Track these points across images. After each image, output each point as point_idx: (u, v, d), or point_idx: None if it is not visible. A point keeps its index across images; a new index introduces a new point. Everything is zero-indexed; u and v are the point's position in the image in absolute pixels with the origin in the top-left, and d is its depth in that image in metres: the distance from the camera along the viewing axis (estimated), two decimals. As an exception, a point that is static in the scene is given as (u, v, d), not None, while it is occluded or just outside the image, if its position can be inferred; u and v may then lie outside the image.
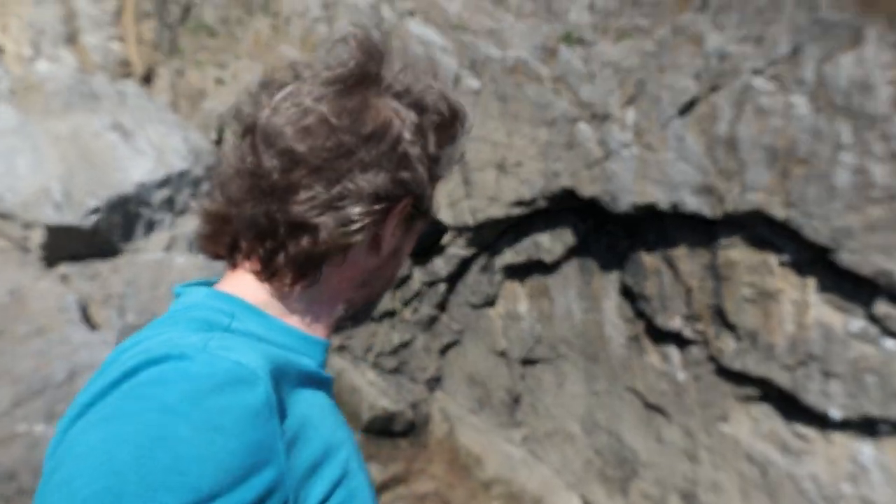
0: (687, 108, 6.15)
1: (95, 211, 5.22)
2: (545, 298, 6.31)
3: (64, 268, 5.27)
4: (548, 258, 6.16)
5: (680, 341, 6.06)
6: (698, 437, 6.24)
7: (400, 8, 6.05)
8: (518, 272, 6.27)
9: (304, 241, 0.83)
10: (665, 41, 6.02)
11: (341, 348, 6.14)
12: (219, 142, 5.77)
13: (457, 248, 6.14)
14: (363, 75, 0.84)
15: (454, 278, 6.26)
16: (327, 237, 0.83)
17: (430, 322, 6.32)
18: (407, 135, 0.85)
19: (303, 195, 0.82)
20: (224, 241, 0.87)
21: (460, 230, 6.10)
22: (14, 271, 4.61)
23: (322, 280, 0.88)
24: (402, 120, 0.85)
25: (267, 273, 0.86)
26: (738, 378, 6.00)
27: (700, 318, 6.26)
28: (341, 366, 6.07)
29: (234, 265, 0.88)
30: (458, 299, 6.33)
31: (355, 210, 0.83)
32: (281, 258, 0.84)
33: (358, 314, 0.94)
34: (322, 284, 0.88)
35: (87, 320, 4.91)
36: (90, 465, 0.58)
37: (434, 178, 0.91)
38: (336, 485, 0.78)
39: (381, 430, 6.20)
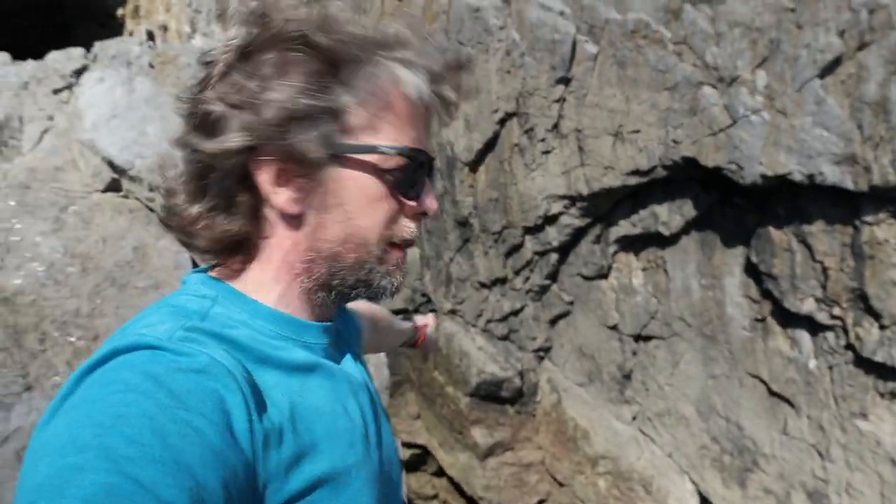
0: (829, 69, 5.60)
1: None
2: (661, 272, 6.09)
3: None
4: (666, 230, 5.93)
5: (813, 326, 5.59)
6: (831, 433, 5.77)
7: None
8: (633, 244, 6.02)
9: (210, 227, 0.85)
10: (806, -5, 5.58)
11: (452, 312, 6.36)
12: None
13: (570, 218, 6.11)
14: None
15: (566, 248, 6.10)
16: (212, 220, 0.84)
17: (541, 291, 6.25)
18: (241, 80, 0.79)
19: (180, 185, 0.87)
20: None
21: (574, 199, 6.07)
22: (140, 230, 5.31)
23: (270, 257, 0.87)
24: (224, 60, 0.81)
25: (229, 255, 0.89)
26: (880, 370, 5.43)
27: (837, 302, 5.73)
28: (452, 330, 6.30)
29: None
30: (570, 270, 6.28)
31: (211, 178, 0.82)
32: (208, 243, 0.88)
33: (341, 286, 0.88)
34: (269, 261, 0.87)
35: None
36: (54, 446, 0.59)
37: (305, 116, 0.79)
38: (318, 482, 0.77)
39: (489, 396, 6.36)
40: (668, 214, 5.80)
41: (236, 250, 0.88)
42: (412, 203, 0.89)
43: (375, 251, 0.87)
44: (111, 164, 5.00)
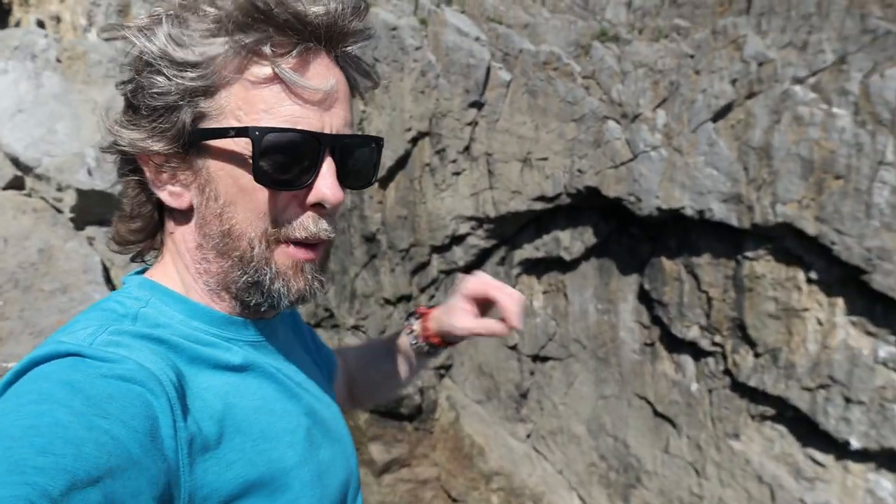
0: (721, 114, 6.17)
1: None
2: (561, 296, 6.59)
3: (91, 230, 5.98)
4: (567, 256, 6.41)
5: (696, 352, 6.08)
6: (707, 452, 6.50)
7: None
8: (536, 267, 6.29)
9: (119, 212, 0.89)
10: (703, 43, 6.25)
11: (355, 328, 6.66)
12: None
13: (476, 239, 6.52)
14: None
15: (471, 268, 6.62)
16: (118, 203, 0.88)
17: None
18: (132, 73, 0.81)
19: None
20: None
21: (481, 221, 6.50)
22: (46, 231, 5.24)
23: (177, 253, 0.86)
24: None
25: (147, 252, 0.92)
26: (753, 395, 6.01)
27: (718, 330, 6.37)
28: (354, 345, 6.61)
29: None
30: None
31: (120, 174, 0.87)
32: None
33: (245, 286, 0.83)
34: (177, 257, 0.86)
35: (109, 282, 5.59)
36: None
37: (142, 107, 0.79)
38: (251, 485, 0.76)
39: (388, 412, 6.63)
40: (570, 240, 6.33)
41: (148, 248, 0.90)
42: (298, 192, 0.80)
43: (258, 248, 0.80)
44: (15, 161, 4.90)
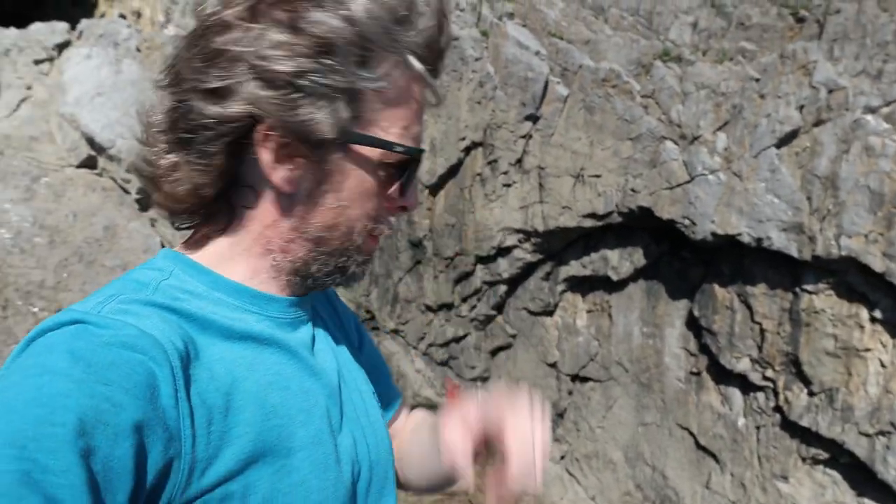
0: (786, 140, 5.80)
1: None
2: (605, 316, 6.50)
3: (154, 212, 6.39)
4: (614, 276, 6.34)
5: (745, 385, 5.88)
6: (752, 492, 6.21)
7: (500, 9, 6.59)
8: (581, 285, 6.17)
9: (182, 185, 0.83)
10: (770, 67, 6.14)
11: (395, 332, 6.75)
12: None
13: (523, 252, 6.55)
14: None
15: (515, 282, 6.19)
16: (189, 175, 0.82)
17: (486, 321, 6.34)
18: (251, 39, 0.76)
19: (162, 135, 0.83)
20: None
21: (528, 234, 6.53)
22: (112, 210, 5.59)
23: (247, 230, 0.86)
24: (247, 26, 0.76)
25: (195, 219, 0.90)
26: (805, 435, 5.80)
27: (771, 364, 5.89)
28: (392, 349, 6.66)
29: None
30: (517, 303, 6.65)
31: (200, 140, 0.79)
32: (176, 208, 0.87)
33: (320, 270, 0.88)
34: (244, 232, 0.86)
35: None
36: None
37: (317, 94, 0.77)
38: (255, 459, 0.75)
39: None
40: (619, 260, 6.29)
41: (205, 216, 0.87)
42: (400, 198, 0.89)
43: (358, 240, 0.87)
44: (90, 141, 5.26)
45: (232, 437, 0.74)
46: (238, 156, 0.81)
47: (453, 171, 6.31)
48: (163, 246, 5.74)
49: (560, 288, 6.25)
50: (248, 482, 0.74)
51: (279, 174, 0.81)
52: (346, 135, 0.80)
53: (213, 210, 0.87)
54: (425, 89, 0.86)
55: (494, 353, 6.43)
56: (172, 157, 0.82)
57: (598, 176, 6.07)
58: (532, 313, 6.32)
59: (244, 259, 0.86)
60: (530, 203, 6.20)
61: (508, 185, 6.24)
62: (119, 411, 0.62)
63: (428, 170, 6.29)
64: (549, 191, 6.16)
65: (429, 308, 6.36)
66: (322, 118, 0.78)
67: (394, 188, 0.87)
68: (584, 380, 6.24)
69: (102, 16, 6.76)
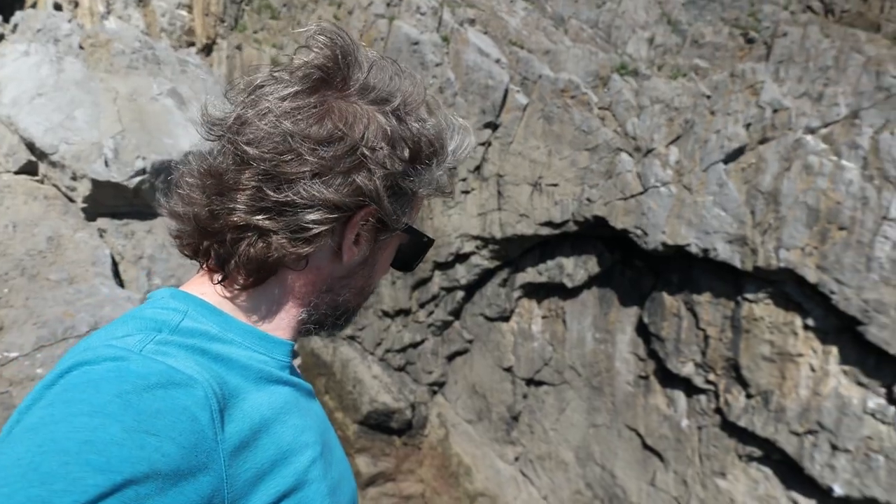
0: (733, 156, 5.99)
1: (142, 172, 5.79)
2: (560, 322, 6.74)
3: (103, 222, 6.00)
4: (569, 283, 6.53)
5: (689, 388, 6.19)
6: (693, 488, 6.70)
7: (461, 15, 6.60)
8: (537, 291, 6.28)
9: (255, 245, 0.85)
10: (721, 85, 6.47)
11: (351, 339, 6.77)
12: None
13: (480, 259, 6.67)
14: (327, 74, 0.86)
15: (473, 288, 6.22)
16: (279, 244, 0.85)
17: (443, 327, 6.33)
18: (371, 138, 0.84)
19: (246, 197, 0.84)
20: (190, 242, 0.90)
21: (486, 241, 6.67)
22: (56, 219, 5.22)
23: (282, 283, 0.90)
24: (368, 122, 0.84)
25: (222, 274, 0.89)
26: (742, 435, 6.17)
27: (713, 369, 6.12)
28: (349, 356, 6.70)
29: (201, 265, 0.93)
30: (474, 309, 6.77)
31: (308, 217, 0.84)
32: (233, 261, 0.87)
33: (325, 321, 0.95)
34: (282, 287, 0.90)
35: (117, 276, 5.59)
36: (16, 475, 0.59)
37: (403, 193, 0.89)
38: (283, 496, 0.79)
39: (378, 425, 6.72)
40: (574, 268, 6.52)
41: (250, 273, 0.89)
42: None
43: (369, 298, 1.01)
44: (30, 146, 4.81)
45: (262, 473, 0.77)
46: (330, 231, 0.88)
47: (413, 177, 6.33)
48: (113, 259, 5.45)
49: (516, 294, 6.43)
50: None
51: (348, 245, 0.89)
52: (404, 224, 0.92)
53: (259, 269, 0.90)
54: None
55: (451, 357, 6.57)
56: (255, 219, 0.84)
57: (555, 185, 6.24)
58: (489, 319, 6.48)
59: (271, 310, 0.91)
60: (488, 210, 6.31)
61: (467, 192, 6.32)
62: (168, 461, 0.64)
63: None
64: (508, 198, 6.28)
65: (386, 314, 6.41)
66: (402, 211, 0.90)
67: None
68: (539, 384, 6.48)
69: (34, 5, 6.27)
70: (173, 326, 0.81)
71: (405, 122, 0.87)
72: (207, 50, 6.55)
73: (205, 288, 0.90)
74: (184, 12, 6.40)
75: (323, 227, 0.85)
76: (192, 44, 6.44)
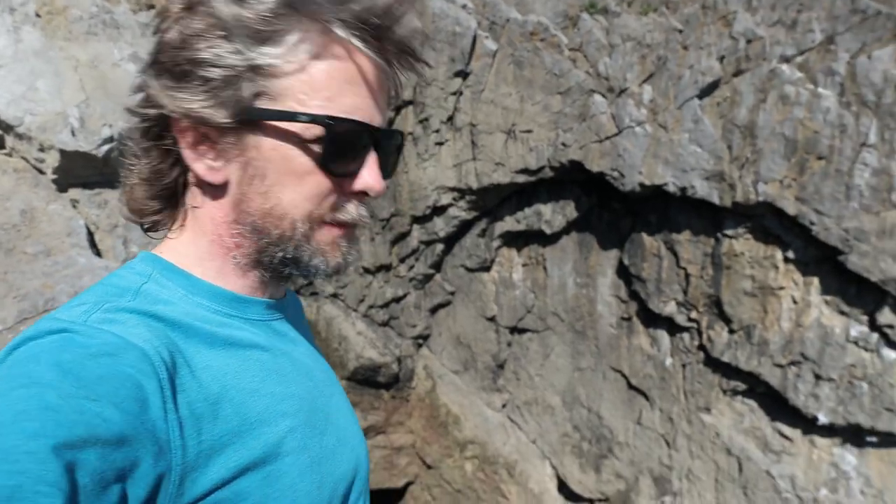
0: (707, 91, 5.96)
1: (109, 140, 5.85)
2: (540, 269, 6.70)
3: (75, 193, 6.06)
4: (548, 229, 6.48)
5: (671, 327, 6.25)
6: (679, 425, 6.85)
7: None
8: (516, 240, 6.27)
9: (135, 183, 0.85)
10: (693, 18, 6.43)
11: (334, 296, 6.86)
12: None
13: (458, 210, 6.67)
14: None
15: (452, 240, 6.20)
16: (132, 168, 0.85)
17: (424, 280, 6.34)
18: (172, 35, 0.77)
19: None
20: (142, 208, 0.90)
21: (463, 192, 6.67)
22: (28, 192, 5.31)
23: (199, 227, 0.86)
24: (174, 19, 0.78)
25: (162, 223, 0.89)
26: (726, 370, 6.28)
27: (695, 307, 6.20)
28: (333, 313, 6.79)
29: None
30: (454, 261, 6.75)
31: (135, 135, 0.83)
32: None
33: (269, 261, 0.85)
34: (200, 233, 0.86)
35: (94, 246, 5.68)
36: None
37: (187, 72, 0.76)
38: (246, 469, 0.75)
39: (366, 380, 6.84)
40: (552, 214, 6.54)
41: (167, 219, 0.88)
42: (346, 180, 0.84)
43: (301, 228, 0.83)
44: None
45: (221, 445, 0.74)
46: (173, 155, 0.82)
47: (384, 131, 6.32)
48: (88, 229, 5.51)
49: (496, 244, 6.47)
50: (239, 489, 0.75)
51: (200, 166, 0.81)
52: (246, 112, 0.77)
53: (175, 213, 0.88)
54: (367, 59, 0.81)
55: (434, 310, 6.65)
56: (131, 161, 0.84)
57: (529, 131, 6.22)
58: (469, 270, 6.53)
59: (212, 261, 0.86)
60: (463, 161, 6.31)
61: (441, 144, 6.31)
62: (109, 426, 0.62)
63: (359, 132, 6.28)
64: (482, 148, 6.28)
65: (367, 270, 6.46)
66: (218, 101, 0.77)
67: (332, 168, 0.82)
68: (522, 331, 6.56)
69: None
70: (134, 291, 0.79)
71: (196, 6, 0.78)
72: (168, 12, 6.48)
73: (167, 246, 0.89)
74: (141, -26, 6.32)
75: (146, 144, 0.84)
76: (151, 6, 6.37)
